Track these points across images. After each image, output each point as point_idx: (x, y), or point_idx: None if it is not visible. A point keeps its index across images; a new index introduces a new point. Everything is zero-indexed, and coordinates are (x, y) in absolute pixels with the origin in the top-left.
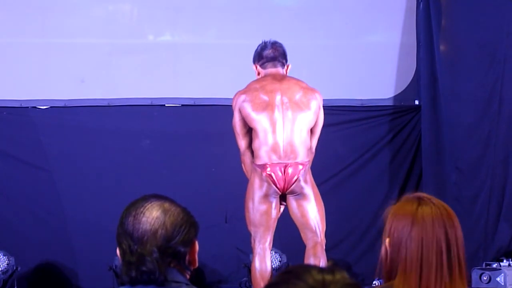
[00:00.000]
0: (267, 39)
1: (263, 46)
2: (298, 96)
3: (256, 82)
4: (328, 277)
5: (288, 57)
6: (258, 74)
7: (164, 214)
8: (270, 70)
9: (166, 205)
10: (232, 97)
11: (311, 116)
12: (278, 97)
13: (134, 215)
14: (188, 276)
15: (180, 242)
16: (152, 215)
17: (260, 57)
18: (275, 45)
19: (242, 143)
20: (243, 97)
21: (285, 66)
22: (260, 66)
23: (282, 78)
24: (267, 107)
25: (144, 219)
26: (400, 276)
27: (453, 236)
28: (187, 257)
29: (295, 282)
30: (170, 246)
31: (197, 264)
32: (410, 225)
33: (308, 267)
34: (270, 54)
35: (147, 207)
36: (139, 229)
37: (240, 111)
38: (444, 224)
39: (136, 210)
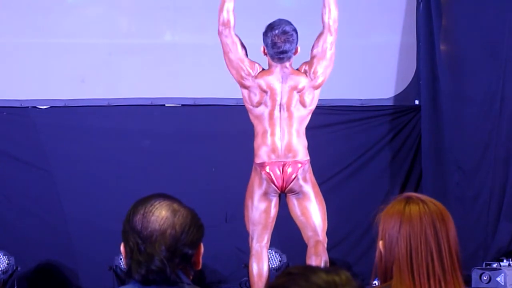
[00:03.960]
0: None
1: (274, 40)
2: (297, 98)
3: (264, 79)
4: (337, 278)
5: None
6: (265, 55)
7: (173, 214)
8: (276, 64)
9: (175, 205)
10: (232, 97)
11: (308, 110)
12: (278, 101)
13: (142, 213)
14: (191, 277)
15: (188, 243)
16: (162, 215)
17: (269, 49)
18: (287, 39)
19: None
20: (252, 82)
21: (293, 54)
22: (269, 55)
23: (285, 77)
24: (268, 110)
25: (153, 218)
26: (395, 276)
27: (443, 232)
28: (192, 259)
29: (303, 284)
30: (178, 246)
31: (200, 266)
32: (398, 223)
33: (311, 268)
34: (278, 54)
35: (156, 206)
36: (147, 227)
37: (244, 78)
38: (433, 220)
39: (145, 209)
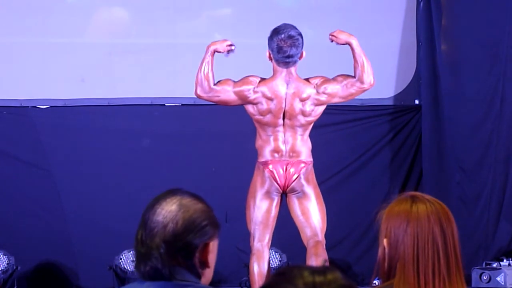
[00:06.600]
0: (283, 26)
1: (280, 45)
2: (300, 107)
3: (268, 87)
4: (319, 278)
5: None
6: (270, 60)
7: (179, 208)
8: (282, 70)
9: (186, 200)
10: None
11: (308, 120)
12: (282, 108)
13: (154, 205)
14: (202, 277)
15: (189, 240)
16: (167, 208)
17: (275, 55)
18: (293, 44)
19: (219, 85)
20: (256, 96)
21: (299, 59)
22: (274, 60)
23: (290, 85)
24: (272, 117)
25: (159, 210)
26: (399, 274)
27: (449, 231)
28: (196, 257)
29: (286, 286)
30: (177, 242)
31: (210, 266)
32: (405, 222)
33: (300, 269)
34: (284, 59)
35: (167, 200)
36: (153, 220)
37: (247, 101)
38: (440, 219)
39: (159, 201)
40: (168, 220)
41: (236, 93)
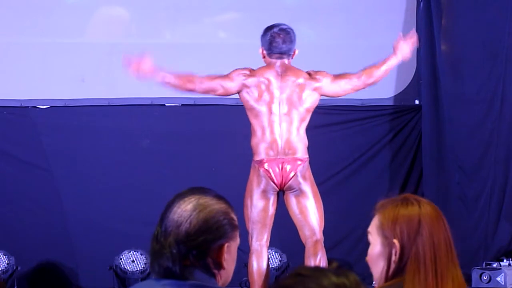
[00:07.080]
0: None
1: (273, 36)
2: (296, 94)
3: (261, 74)
4: (346, 280)
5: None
6: (264, 57)
7: (194, 208)
8: (275, 61)
9: (204, 200)
10: (232, 96)
11: (305, 109)
12: (277, 96)
13: (173, 203)
14: (217, 277)
15: (202, 240)
16: (183, 207)
17: (268, 47)
18: (286, 37)
19: (211, 79)
20: (250, 80)
21: (292, 55)
22: (267, 54)
23: (284, 72)
24: (267, 105)
25: (175, 209)
26: (411, 273)
27: (449, 230)
28: (210, 257)
29: (313, 286)
30: (190, 242)
31: (225, 268)
32: (418, 223)
33: (321, 270)
34: (277, 50)
35: (185, 199)
36: (169, 218)
37: (242, 84)
38: (443, 219)
39: (177, 200)
40: (182, 220)
41: (232, 77)
